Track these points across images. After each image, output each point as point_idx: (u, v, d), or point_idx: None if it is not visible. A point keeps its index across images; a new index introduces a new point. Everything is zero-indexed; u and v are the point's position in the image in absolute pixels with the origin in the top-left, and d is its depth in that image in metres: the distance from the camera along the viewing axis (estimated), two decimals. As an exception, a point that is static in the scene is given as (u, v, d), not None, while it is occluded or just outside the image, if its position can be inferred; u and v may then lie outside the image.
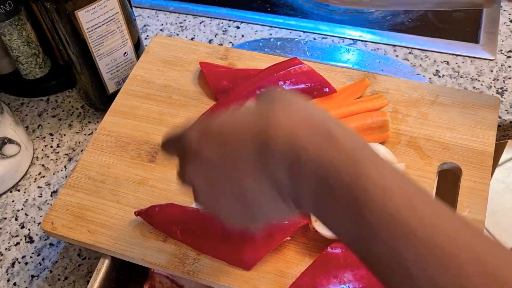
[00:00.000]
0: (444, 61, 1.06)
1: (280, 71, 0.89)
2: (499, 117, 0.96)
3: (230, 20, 1.19)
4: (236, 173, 0.53)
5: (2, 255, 0.90)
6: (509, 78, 1.02)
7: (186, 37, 1.17)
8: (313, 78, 0.89)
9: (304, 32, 1.15)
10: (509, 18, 1.12)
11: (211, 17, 1.20)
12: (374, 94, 0.90)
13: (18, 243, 0.92)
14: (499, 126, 0.96)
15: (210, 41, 1.15)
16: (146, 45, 1.04)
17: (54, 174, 0.99)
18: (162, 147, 0.63)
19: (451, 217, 0.45)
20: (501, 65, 1.04)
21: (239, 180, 0.53)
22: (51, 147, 1.03)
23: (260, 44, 1.12)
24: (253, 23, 1.18)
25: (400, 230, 0.43)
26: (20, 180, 0.99)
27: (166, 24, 1.20)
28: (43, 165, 1.01)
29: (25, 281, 0.88)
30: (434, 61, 1.06)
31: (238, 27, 1.18)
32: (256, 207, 0.54)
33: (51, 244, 0.91)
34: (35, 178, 0.99)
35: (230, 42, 1.15)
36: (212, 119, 0.56)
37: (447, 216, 0.45)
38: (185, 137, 0.56)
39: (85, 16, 0.89)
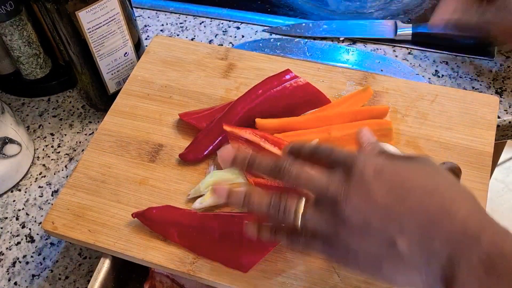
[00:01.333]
0: (443, 61, 1.06)
1: (276, 87, 0.88)
2: (498, 117, 0.96)
3: (230, 21, 1.20)
4: (395, 226, 0.54)
5: (3, 254, 0.91)
6: (508, 78, 1.02)
7: (187, 37, 1.17)
8: (308, 92, 0.88)
9: (304, 32, 1.15)
10: (508, 19, 1.12)
11: (211, 18, 1.21)
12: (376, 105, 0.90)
13: (19, 243, 0.92)
14: (498, 126, 0.96)
15: (210, 41, 1.16)
16: (146, 46, 1.05)
17: (55, 174, 1.00)
18: (302, 151, 0.63)
19: None
20: (500, 65, 1.05)
21: (394, 235, 0.54)
22: (52, 147, 1.03)
23: (260, 44, 1.13)
24: (253, 24, 1.18)
25: None
26: (21, 180, 0.99)
27: (167, 24, 1.21)
28: (44, 165, 1.01)
29: (26, 281, 0.88)
30: (434, 61, 1.07)
31: (238, 28, 1.18)
32: (389, 271, 0.56)
33: (51, 244, 0.91)
34: (36, 178, 1.00)
35: (230, 43, 1.15)
36: (390, 157, 0.59)
37: None
38: (357, 159, 0.58)
39: (85, 17, 0.89)
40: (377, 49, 1.10)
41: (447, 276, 0.53)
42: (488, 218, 0.55)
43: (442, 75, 1.04)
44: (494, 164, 1.31)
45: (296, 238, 0.60)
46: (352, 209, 0.55)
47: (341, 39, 1.13)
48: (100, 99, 1.04)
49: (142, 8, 1.25)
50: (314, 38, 1.14)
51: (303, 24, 1.16)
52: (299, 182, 0.60)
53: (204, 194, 0.81)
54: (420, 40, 1.09)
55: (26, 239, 0.92)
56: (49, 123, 1.07)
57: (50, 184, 0.99)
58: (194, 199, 0.82)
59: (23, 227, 0.94)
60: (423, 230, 0.53)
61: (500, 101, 0.99)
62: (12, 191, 0.98)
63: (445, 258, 0.52)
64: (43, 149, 1.03)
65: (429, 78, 1.04)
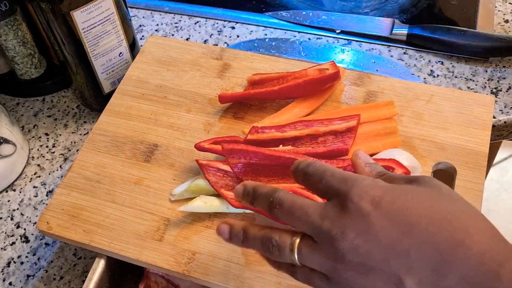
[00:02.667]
0: (439, 61, 1.06)
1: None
2: (494, 117, 0.97)
3: (225, 21, 1.20)
4: (401, 264, 0.50)
5: (-3, 255, 0.91)
6: (504, 78, 1.02)
7: (181, 37, 1.17)
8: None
9: (298, 32, 1.15)
10: (504, 18, 1.13)
11: (206, 18, 1.21)
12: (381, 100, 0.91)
13: (13, 243, 0.92)
14: (493, 126, 0.96)
15: (205, 41, 1.16)
16: (141, 45, 1.05)
17: (49, 174, 1.00)
18: (298, 173, 0.58)
19: None
20: (496, 65, 1.05)
21: (400, 274, 0.50)
22: (47, 147, 1.03)
23: (255, 44, 1.13)
24: (248, 24, 1.18)
25: None
26: (15, 180, 0.99)
27: (161, 24, 1.20)
28: (38, 165, 1.01)
29: (20, 281, 0.88)
30: (429, 61, 1.07)
31: (233, 28, 1.18)
32: None
33: (46, 244, 0.91)
34: (31, 178, 0.99)
35: (225, 43, 1.15)
36: (389, 182, 0.53)
37: None
38: (351, 189, 0.52)
39: (80, 17, 0.89)
40: (372, 49, 1.10)
41: None
42: (508, 246, 0.50)
43: (438, 75, 1.04)
44: (490, 164, 1.31)
45: (296, 271, 0.57)
46: (350, 247, 0.50)
47: (337, 31, 1.13)
48: (95, 99, 1.04)
49: (137, 8, 1.25)
50: (312, 27, 1.14)
51: (303, 13, 1.16)
52: (293, 217, 0.55)
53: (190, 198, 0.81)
54: (415, 41, 1.09)
55: (20, 239, 0.92)
56: (44, 123, 1.07)
57: (45, 184, 0.98)
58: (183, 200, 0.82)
59: (18, 227, 0.93)
60: (434, 267, 0.49)
61: (496, 101, 0.99)
62: (6, 191, 0.98)
63: None
64: (38, 149, 1.03)
65: (424, 78, 1.04)
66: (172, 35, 1.18)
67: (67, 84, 1.11)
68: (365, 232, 0.50)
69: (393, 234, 0.49)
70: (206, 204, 0.79)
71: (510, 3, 1.15)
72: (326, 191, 0.54)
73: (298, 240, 0.54)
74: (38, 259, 0.90)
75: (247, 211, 0.79)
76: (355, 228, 0.50)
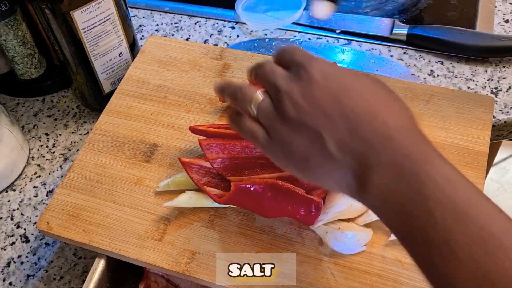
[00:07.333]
0: (439, 61, 1.06)
1: None
2: (494, 117, 0.96)
3: (225, 21, 1.20)
4: (326, 124, 0.58)
5: (-3, 255, 0.91)
6: (504, 78, 1.02)
7: (181, 37, 1.17)
8: None
9: (298, 32, 1.15)
10: (504, 18, 1.13)
11: (206, 18, 1.21)
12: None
13: (13, 243, 0.92)
14: (493, 126, 0.96)
15: (205, 41, 1.16)
16: (141, 45, 1.04)
17: (49, 174, 1.00)
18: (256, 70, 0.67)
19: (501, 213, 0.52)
20: (496, 65, 1.05)
21: (322, 132, 0.58)
22: (47, 147, 1.03)
23: (255, 44, 1.13)
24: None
25: (456, 217, 0.50)
26: (15, 180, 0.99)
27: (161, 24, 1.20)
28: (38, 165, 1.01)
29: (20, 281, 0.88)
30: (429, 61, 1.07)
31: (233, 28, 1.18)
32: (317, 169, 0.60)
33: (46, 244, 0.91)
34: (31, 178, 0.99)
35: (225, 43, 1.15)
36: (338, 68, 0.62)
37: (502, 215, 0.51)
38: (310, 61, 0.61)
39: (80, 17, 0.89)
40: (372, 49, 1.10)
41: (361, 180, 0.56)
42: (416, 134, 0.58)
43: (438, 75, 1.04)
44: (490, 164, 1.31)
45: (244, 123, 0.65)
46: (292, 104, 0.59)
47: (337, 31, 1.13)
48: (95, 99, 1.04)
49: (137, 8, 1.25)
50: (312, 27, 1.15)
51: (303, 13, 1.16)
52: (265, 76, 0.64)
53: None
54: (415, 41, 1.09)
55: (21, 239, 0.92)
56: (44, 123, 1.07)
57: (45, 184, 0.98)
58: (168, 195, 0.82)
59: (18, 227, 0.93)
60: (349, 129, 0.56)
61: (496, 101, 0.99)
62: (7, 191, 0.98)
63: (359, 156, 0.56)
64: (38, 149, 1.03)
65: (424, 78, 1.04)
66: (172, 35, 1.18)
67: (67, 84, 1.11)
68: (307, 94, 0.59)
69: (328, 99, 0.58)
70: (191, 199, 0.79)
71: (510, 3, 1.15)
72: (290, 61, 0.63)
73: (261, 95, 0.64)
74: (38, 259, 0.90)
75: (232, 206, 0.79)
76: (300, 90, 0.60)
